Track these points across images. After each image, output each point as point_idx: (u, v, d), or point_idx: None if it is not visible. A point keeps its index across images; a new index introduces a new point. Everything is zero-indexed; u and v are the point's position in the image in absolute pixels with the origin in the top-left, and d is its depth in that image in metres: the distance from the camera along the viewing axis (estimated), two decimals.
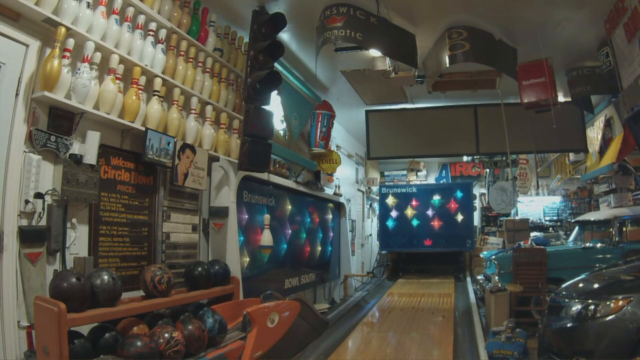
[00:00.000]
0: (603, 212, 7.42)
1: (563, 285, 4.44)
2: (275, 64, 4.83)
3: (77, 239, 3.20)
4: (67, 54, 3.02)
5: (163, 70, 3.91)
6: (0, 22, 2.75)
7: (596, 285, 4.13)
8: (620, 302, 3.56)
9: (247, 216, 5.30)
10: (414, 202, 10.74)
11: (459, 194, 10.61)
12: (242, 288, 4.54)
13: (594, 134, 7.97)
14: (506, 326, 4.52)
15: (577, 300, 3.88)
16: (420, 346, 4.74)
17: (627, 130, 5.88)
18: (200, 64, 4.43)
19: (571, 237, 7.62)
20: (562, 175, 11.20)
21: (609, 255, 6.08)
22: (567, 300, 3.99)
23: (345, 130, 9.76)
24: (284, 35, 5.40)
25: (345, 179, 9.48)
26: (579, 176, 10.12)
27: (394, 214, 10.77)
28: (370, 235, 12.37)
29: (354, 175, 10.89)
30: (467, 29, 4.99)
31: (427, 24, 5.13)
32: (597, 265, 5.72)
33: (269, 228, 5.44)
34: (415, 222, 10.68)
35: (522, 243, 7.10)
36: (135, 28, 3.63)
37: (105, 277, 2.89)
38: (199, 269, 3.97)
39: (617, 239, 6.18)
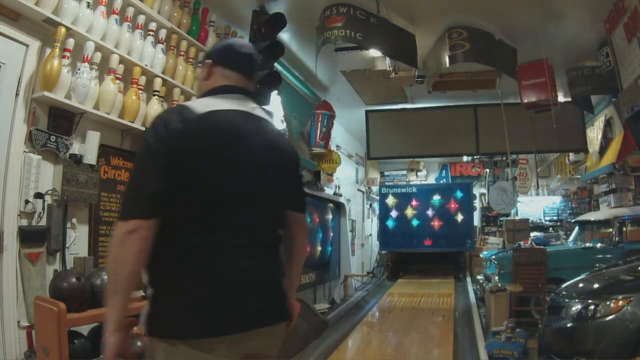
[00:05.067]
0: (603, 212, 7.41)
1: (563, 285, 4.44)
2: (275, 64, 4.83)
3: (77, 239, 3.20)
4: (67, 54, 3.02)
5: (163, 70, 3.90)
6: (0, 22, 2.75)
7: (596, 285, 4.13)
8: (620, 302, 3.56)
9: None
10: (414, 202, 10.75)
11: (459, 194, 10.61)
12: None
13: (594, 134, 7.97)
14: (506, 326, 4.52)
15: (577, 300, 3.88)
16: (420, 346, 4.74)
17: (627, 130, 5.88)
18: (200, 64, 4.42)
19: (571, 237, 7.62)
20: (562, 175, 11.20)
21: (609, 255, 6.08)
22: (567, 300, 3.99)
23: (345, 130, 9.77)
24: (284, 35, 5.39)
25: (345, 179, 9.48)
26: (579, 176, 10.12)
27: (394, 214, 10.78)
28: (370, 235, 12.37)
29: (354, 175, 10.89)
30: (467, 29, 4.99)
31: (427, 24, 5.12)
32: (597, 265, 5.71)
33: None
34: (415, 222, 10.69)
35: (522, 243, 7.10)
36: (135, 28, 3.63)
37: (105, 277, 2.88)
38: None
39: (617, 239, 6.18)
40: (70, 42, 3.04)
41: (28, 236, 2.84)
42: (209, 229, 1.43)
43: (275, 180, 1.61)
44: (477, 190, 12.82)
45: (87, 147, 3.22)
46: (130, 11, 3.55)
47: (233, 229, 1.47)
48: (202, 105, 1.54)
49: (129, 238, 1.31)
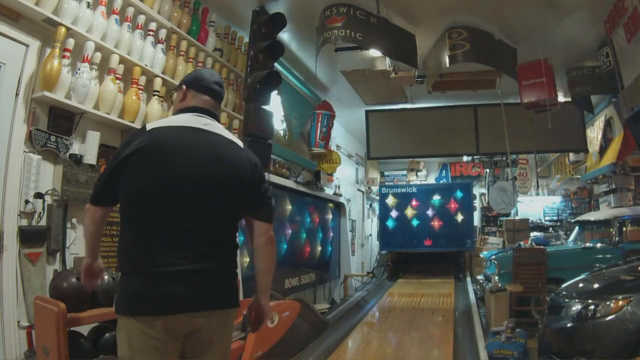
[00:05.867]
0: (603, 212, 7.41)
1: (563, 285, 4.43)
2: (275, 64, 4.82)
3: (77, 239, 3.20)
4: (67, 54, 3.02)
5: (163, 70, 3.91)
6: (0, 22, 2.75)
7: (596, 285, 4.13)
8: (620, 302, 3.56)
9: None
10: (414, 202, 10.74)
11: (459, 194, 10.61)
12: (242, 288, 4.54)
13: (594, 134, 7.97)
14: (506, 326, 4.52)
15: (577, 300, 3.88)
16: (420, 346, 4.74)
17: (627, 130, 5.88)
18: (200, 64, 4.43)
19: (571, 237, 7.62)
20: (562, 175, 11.20)
21: (609, 255, 6.07)
22: (567, 300, 3.99)
23: (345, 130, 9.77)
24: (284, 35, 5.39)
25: (345, 179, 9.49)
26: (579, 176, 10.12)
27: (394, 214, 10.77)
28: (370, 235, 12.37)
29: (354, 175, 10.89)
30: (467, 29, 4.99)
31: (427, 24, 5.13)
32: (597, 265, 5.71)
33: None
34: (415, 222, 10.68)
35: (522, 243, 7.10)
36: (135, 28, 3.63)
37: (105, 277, 2.88)
38: None
39: (617, 239, 6.18)
40: (70, 42, 3.04)
41: (28, 236, 2.84)
42: (140, 224, 1.78)
43: (219, 188, 1.83)
44: (477, 190, 12.82)
45: (87, 147, 3.22)
46: (130, 11, 3.56)
47: (161, 226, 1.76)
48: (153, 124, 1.89)
49: (87, 214, 1.95)
